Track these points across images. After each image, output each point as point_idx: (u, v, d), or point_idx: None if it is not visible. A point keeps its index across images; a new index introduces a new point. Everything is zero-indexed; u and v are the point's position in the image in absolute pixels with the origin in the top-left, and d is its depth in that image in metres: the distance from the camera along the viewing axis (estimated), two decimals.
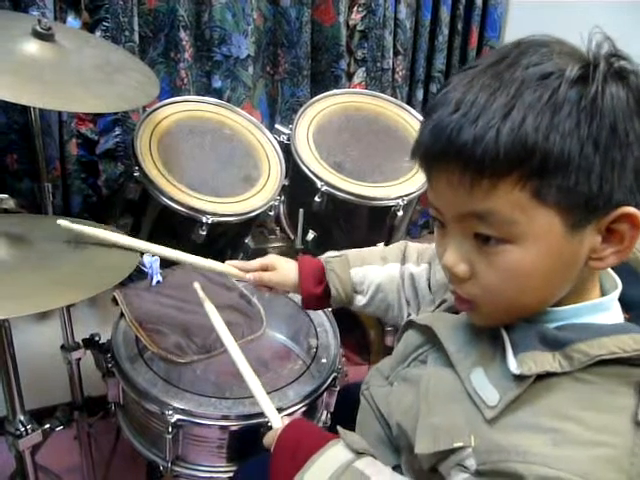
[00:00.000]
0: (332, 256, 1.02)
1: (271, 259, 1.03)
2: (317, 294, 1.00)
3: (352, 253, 1.03)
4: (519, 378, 0.55)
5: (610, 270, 0.63)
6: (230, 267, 1.02)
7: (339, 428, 0.73)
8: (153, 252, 1.06)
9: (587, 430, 0.52)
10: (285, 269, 1.02)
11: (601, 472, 0.50)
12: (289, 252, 1.67)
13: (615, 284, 0.62)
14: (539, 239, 0.54)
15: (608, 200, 0.52)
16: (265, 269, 1.02)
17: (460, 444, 0.57)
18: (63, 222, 0.98)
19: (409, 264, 0.99)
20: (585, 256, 0.56)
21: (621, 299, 0.62)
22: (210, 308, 0.99)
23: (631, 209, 0.53)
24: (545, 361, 0.55)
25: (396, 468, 0.72)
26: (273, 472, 0.74)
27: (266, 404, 0.84)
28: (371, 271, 0.99)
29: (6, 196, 1.00)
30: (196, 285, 1.03)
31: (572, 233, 0.54)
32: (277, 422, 0.81)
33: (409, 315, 0.98)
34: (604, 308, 0.60)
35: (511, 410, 0.55)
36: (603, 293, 0.62)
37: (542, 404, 0.55)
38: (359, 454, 0.69)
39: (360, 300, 1.00)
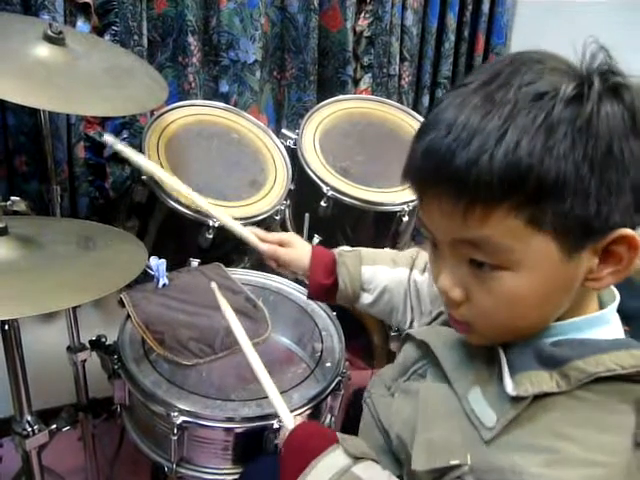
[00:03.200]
0: (345, 250, 1.03)
1: (290, 237, 1.04)
2: (325, 285, 1.00)
3: (365, 251, 1.03)
4: (516, 399, 0.55)
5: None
6: (250, 233, 1.06)
7: (338, 434, 0.74)
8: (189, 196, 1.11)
9: (583, 449, 0.51)
10: (300, 250, 1.03)
11: None
12: None
13: (613, 296, 0.61)
14: (535, 265, 0.53)
15: (605, 222, 0.51)
16: (282, 245, 1.03)
17: (456, 462, 0.56)
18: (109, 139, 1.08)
19: (415, 271, 1.00)
20: (582, 277, 0.55)
21: (620, 311, 0.61)
22: (224, 303, 1.00)
23: (628, 231, 0.51)
24: (542, 381, 0.54)
25: (398, 478, 0.72)
26: (282, 470, 0.76)
27: (279, 403, 0.85)
28: (380, 271, 1.00)
29: (18, 199, 1.01)
30: (213, 285, 1.04)
31: (569, 257, 0.52)
32: (289, 421, 0.81)
33: (412, 320, 0.99)
34: (603, 321, 0.59)
35: (508, 430, 0.55)
36: (601, 306, 0.61)
37: (539, 423, 0.54)
38: (358, 459, 0.70)
39: (366, 298, 1.00)
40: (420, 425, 0.62)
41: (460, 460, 0.56)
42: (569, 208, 0.49)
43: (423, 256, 1.02)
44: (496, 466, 0.54)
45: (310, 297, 1.06)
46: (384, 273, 1.00)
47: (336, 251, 1.03)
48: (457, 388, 0.62)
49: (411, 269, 1.00)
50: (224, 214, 1.08)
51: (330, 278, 1.00)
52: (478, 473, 0.55)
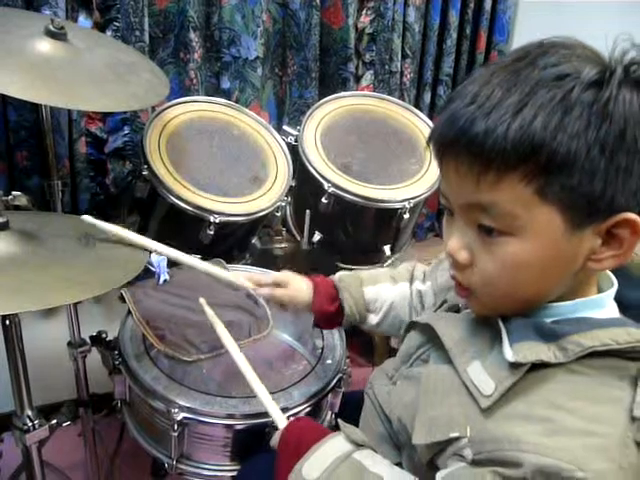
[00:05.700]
0: (345, 275, 1.03)
1: (284, 276, 1.03)
2: (330, 312, 1.00)
3: (364, 272, 1.04)
4: (514, 366, 0.57)
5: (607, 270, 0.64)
6: (244, 280, 1.04)
7: (340, 421, 0.75)
8: (172, 257, 1.08)
9: (580, 420, 0.53)
10: (298, 286, 1.02)
11: (592, 460, 0.51)
12: (295, 253, 1.67)
13: (611, 283, 0.63)
14: (538, 235, 0.55)
15: (610, 204, 0.53)
16: (278, 285, 1.02)
17: (456, 434, 0.58)
18: (87, 218, 1.01)
19: (417, 282, 1.01)
20: (583, 257, 0.57)
21: (617, 302, 0.63)
22: (216, 322, 0.99)
23: (632, 215, 0.54)
24: (540, 351, 0.56)
25: (397, 465, 0.73)
26: (278, 466, 0.76)
27: (271, 406, 0.85)
28: (383, 290, 1.00)
29: (19, 193, 1.01)
30: (202, 301, 1.03)
31: (572, 232, 0.55)
32: (282, 422, 0.81)
33: None
34: (599, 305, 0.61)
35: (506, 400, 0.56)
36: (599, 292, 0.63)
37: (536, 394, 0.56)
38: (358, 446, 0.71)
39: (373, 319, 1.00)
40: (422, 405, 0.64)
41: (460, 432, 0.58)
42: (576, 184, 0.52)
43: (420, 267, 1.04)
44: (493, 436, 0.55)
45: (316, 325, 1.05)
46: (387, 291, 1.00)
47: (335, 277, 1.03)
48: (457, 364, 0.63)
49: (411, 282, 1.02)
50: (214, 268, 1.07)
51: (334, 305, 1.00)
52: (476, 445, 0.56)
